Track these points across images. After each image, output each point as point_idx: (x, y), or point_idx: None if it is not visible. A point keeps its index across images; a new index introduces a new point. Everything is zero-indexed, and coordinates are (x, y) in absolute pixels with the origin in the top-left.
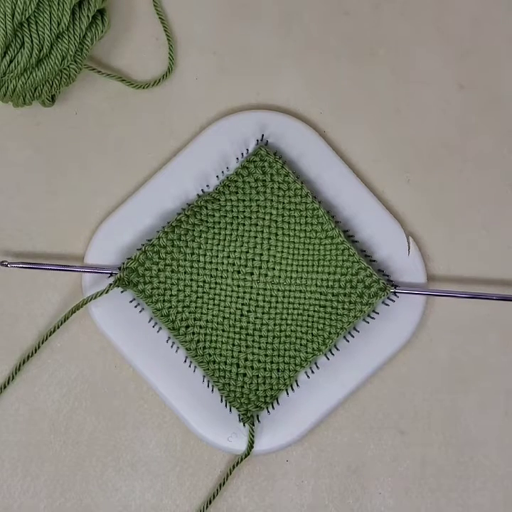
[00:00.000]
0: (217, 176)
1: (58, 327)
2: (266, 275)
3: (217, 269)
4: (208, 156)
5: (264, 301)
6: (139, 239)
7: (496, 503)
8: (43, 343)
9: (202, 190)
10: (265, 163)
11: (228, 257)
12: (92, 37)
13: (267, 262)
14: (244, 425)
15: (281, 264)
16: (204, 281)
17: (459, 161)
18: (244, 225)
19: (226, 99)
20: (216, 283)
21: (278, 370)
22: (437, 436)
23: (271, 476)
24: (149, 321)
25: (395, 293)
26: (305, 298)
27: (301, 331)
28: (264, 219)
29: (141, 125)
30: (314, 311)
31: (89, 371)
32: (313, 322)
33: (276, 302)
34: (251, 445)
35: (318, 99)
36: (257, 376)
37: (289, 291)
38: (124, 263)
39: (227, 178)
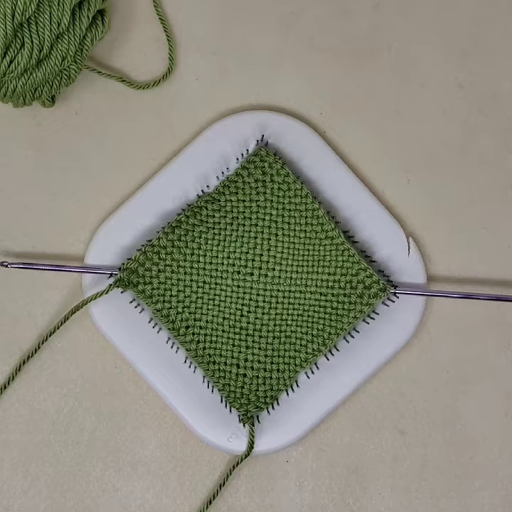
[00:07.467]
0: (217, 177)
1: (58, 327)
2: (266, 276)
3: (217, 270)
4: (208, 156)
5: (264, 301)
6: (138, 239)
7: (496, 503)
8: (43, 343)
9: (202, 190)
10: (265, 164)
11: (228, 257)
12: (92, 37)
13: (267, 262)
14: (244, 426)
15: (281, 264)
16: (204, 282)
17: (459, 161)
18: (244, 225)
19: (226, 99)
20: (216, 283)
21: (278, 370)
22: (437, 436)
23: (271, 476)
24: (149, 321)
25: (394, 293)
26: (305, 298)
27: (301, 332)
28: (264, 219)
29: (141, 125)
30: (314, 311)
31: (89, 371)
32: (313, 323)
33: (277, 303)
34: (251, 445)
35: (319, 99)
36: (257, 377)
37: (289, 291)
38: (124, 264)
39: (227, 178)
